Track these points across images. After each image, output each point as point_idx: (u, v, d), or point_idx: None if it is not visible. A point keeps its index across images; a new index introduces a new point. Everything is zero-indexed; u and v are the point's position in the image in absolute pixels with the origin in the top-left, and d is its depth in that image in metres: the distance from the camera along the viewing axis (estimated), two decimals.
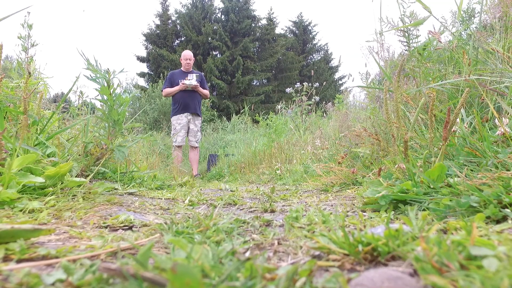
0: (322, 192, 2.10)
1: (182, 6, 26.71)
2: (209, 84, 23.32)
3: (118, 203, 1.37)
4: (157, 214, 1.28)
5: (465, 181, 0.95)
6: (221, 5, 26.69)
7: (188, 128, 6.39)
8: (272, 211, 1.36)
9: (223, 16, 26.58)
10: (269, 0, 38.74)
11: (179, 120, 6.31)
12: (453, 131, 1.51)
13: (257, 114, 10.26)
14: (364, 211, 1.18)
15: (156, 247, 0.70)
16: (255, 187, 3.17)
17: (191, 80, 6.05)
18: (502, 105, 1.58)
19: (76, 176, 1.45)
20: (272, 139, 6.25)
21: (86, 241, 0.70)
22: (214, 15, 26.70)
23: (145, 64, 25.84)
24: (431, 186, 1.07)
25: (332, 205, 1.48)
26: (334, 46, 43.26)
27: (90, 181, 1.51)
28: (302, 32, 29.38)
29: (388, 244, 0.47)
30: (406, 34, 3.08)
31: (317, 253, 0.55)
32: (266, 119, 8.60)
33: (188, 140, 6.52)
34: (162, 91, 6.50)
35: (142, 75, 25.55)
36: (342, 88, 28.05)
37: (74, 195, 1.25)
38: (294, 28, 29.73)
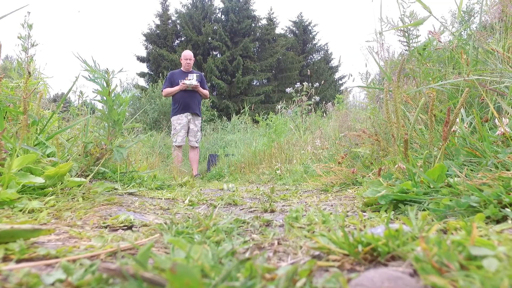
0: (322, 192, 2.10)
1: (182, 6, 26.75)
2: (209, 84, 23.33)
3: (118, 203, 1.37)
4: (157, 214, 1.28)
5: (465, 181, 0.95)
6: (221, 5, 26.71)
7: (188, 128, 6.40)
8: (272, 211, 1.36)
9: (223, 16, 26.59)
10: (269, 0, 38.74)
11: (179, 120, 6.32)
12: (453, 131, 1.50)
13: (257, 114, 10.27)
14: (364, 211, 1.18)
15: (156, 247, 0.70)
16: (255, 187, 3.16)
17: (191, 80, 6.06)
18: (502, 105, 1.58)
19: (76, 176, 1.45)
20: (272, 139, 6.25)
21: (86, 241, 0.70)
22: (214, 15, 26.71)
23: (145, 64, 25.86)
24: (431, 186, 1.07)
25: (332, 205, 1.47)
26: (334, 46, 43.24)
27: (90, 181, 1.51)
28: (302, 32, 29.39)
29: (388, 244, 0.47)
30: (406, 34, 3.08)
31: (317, 253, 0.55)
32: (266, 119, 8.62)
33: (188, 140, 6.53)
34: (162, 91, 6.51)
35: (142, 75, 25.56)
36: (342, 88, 28.05)
37: (74, 195, 1.25)
38: (294, 28, 29.74)
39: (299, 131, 6.81)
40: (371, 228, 0.64)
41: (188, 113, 6.31)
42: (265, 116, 9.44)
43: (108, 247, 0.61)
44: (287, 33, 29.57)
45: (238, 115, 12.61)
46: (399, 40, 3.10)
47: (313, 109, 8.79)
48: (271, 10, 29.39)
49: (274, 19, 27.80)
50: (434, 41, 2.82)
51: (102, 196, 1.36)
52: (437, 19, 2.45)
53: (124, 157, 1.40)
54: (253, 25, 26.25)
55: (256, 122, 10.58)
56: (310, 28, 29.72)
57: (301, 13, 31.06)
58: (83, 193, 1.32)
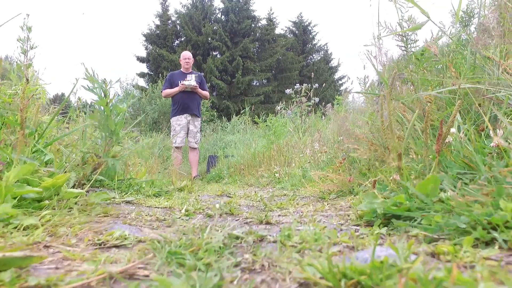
0: (319, 199, 2.11)
1: (182, 6, 26.74)
2: (209, 84, 23.32)
3: (114, 215, 1.38)
4: (153, 226, 1.28)
5: (456, 198, 0.96)
6: (221, 5, 26.70)
7: (188, 129, 6.43)
8: (268, 223, 1.37)
9: (223, 17, 26.59)
10: (269, 0, 38.71)
11: (179, 121, 6.36)
12: (448, 142, 1.51)
13: (256, 115, 10.28)
14: (358, 225, 1.19)
15: (148, 269, 0.71)
16: (253, 192, 3.17)
17: (190, 81, 6.09)
18: (497, 115, 1.58)
19: (73, 187, 1.45)
20: (272, 141, 6.25)
21: (79, 263, 0.71)
22: (214, 15, 26.72)
23: (145, 64, 25.87)
24: (424, 201, 1.08)
25: (327, 216, 1.48)
26: (334, 46, 43.26)
27: (87, 191, 1.52)
28: (302, 32, 29.39)
29: (372, 277, 0.48)
30: (404, 39, 3.07)
31: (304, 281, 0.56)
32: (265, 121, 8.63)
33: (187, 141, 6.56)
34: (161, 92, 6.55)
35: (142, 75, 25.57)
36: (342, 88, 28.07)
37: (70, 208, 1.25)
38: (294, 28, 29.74)
39: (298, 132, 6.81)
40: (359, 252, 0.65)
41: (187, 114, 6.35)
42: (264, 117, 9.45)
43: (100, 272, 0.62)
44: (287, 33, 29.57)
45: (238, 116, 12.63)
46: (397, 45, 3.10)
47: (312, 110, 8.83)
48: (271, 10, 29.41)
49: (274, 19, 27.80)
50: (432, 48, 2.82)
51: (99, 208, 1.36)
52: (435, 24, 2.45)
53: (118, 169, 1.41)
54: (253, 25, 26.25)
55: (256, 122, 10.60)
56: (310, 28, 29.72)
57: (301, 13, 31.01)
58: (80, 205, 1.33)
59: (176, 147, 6.41)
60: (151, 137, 7.24)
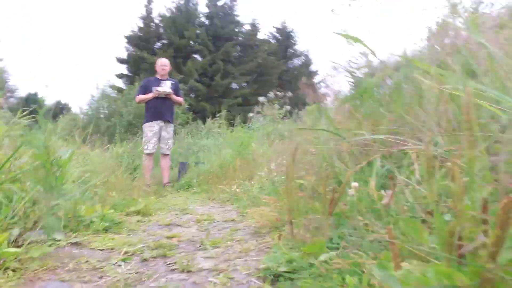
0: (254, 233, 2.33)
1: (167, 9, 26.55)
2: (187, 86, 23.24)
3: (51, 267, 1.54)
4: (85, 279, 1.46)
5: (323, 266, 1.19)
6: (206, 10, 26.71)
7: (160, 135, 6.51)
8: (189, 271, 1.56)
9: (207, 21, 26.59)
10: (252, 6, 38.91)
11: (151, 127, 6.48)
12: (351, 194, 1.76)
13: (233, 117, 10.43)
14: (259, 277, 1.41)
15: None
16: (205, 215, 3.33)
17: (165, 88, 6.21)
18: (393, 170, 1.82)
19: (14, 240, 1.60)
20: (238, 152, 6.36)
21: None
22: (198, 20, 26.69)
23: (125, 65, 25.56)
24: (303, 264, 1.32)
25: (246, 260, 1.70)
26: (315, 49, 43.87)
27: (28, 244, 1.67)
28: (285, 38, 29.78)
29: None
30: (353, 74, 3.34)
31: None
32: (241, 124, 8.82)
33: (159, 147, 6.63)
34: (135, 97, 6.62)
35: (120, 76, 25.23)
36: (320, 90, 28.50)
37: (7, 268, 1.41)
38: (277, 34, 30.09)
39: (267, 142, 7.00)
40: None
41: (160, 121, 6.46)
42: (240, 120, 9.65)
43: None
44: (269, 39, 29.89)
45: (214, 120, 12.64)
46: (347, 81, 3.37)
47: (288, 115, 9.12)
48: (254, 16, 29.71)
49: (257, 25, 28.06)
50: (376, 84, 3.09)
51: (37, 262, 1.53)
52: (380, 61, 2.71)
53: (55, 232, 1.57)
54: (236, 30, 26.39)
55: (232, 125, 10.71)
56: (292, 34, 30.14)
57: (283, 19, 31.35)
58: (18, 260, 1.49)
59: (148, 154, 6.50)
60: (121, 146, 7.17)
